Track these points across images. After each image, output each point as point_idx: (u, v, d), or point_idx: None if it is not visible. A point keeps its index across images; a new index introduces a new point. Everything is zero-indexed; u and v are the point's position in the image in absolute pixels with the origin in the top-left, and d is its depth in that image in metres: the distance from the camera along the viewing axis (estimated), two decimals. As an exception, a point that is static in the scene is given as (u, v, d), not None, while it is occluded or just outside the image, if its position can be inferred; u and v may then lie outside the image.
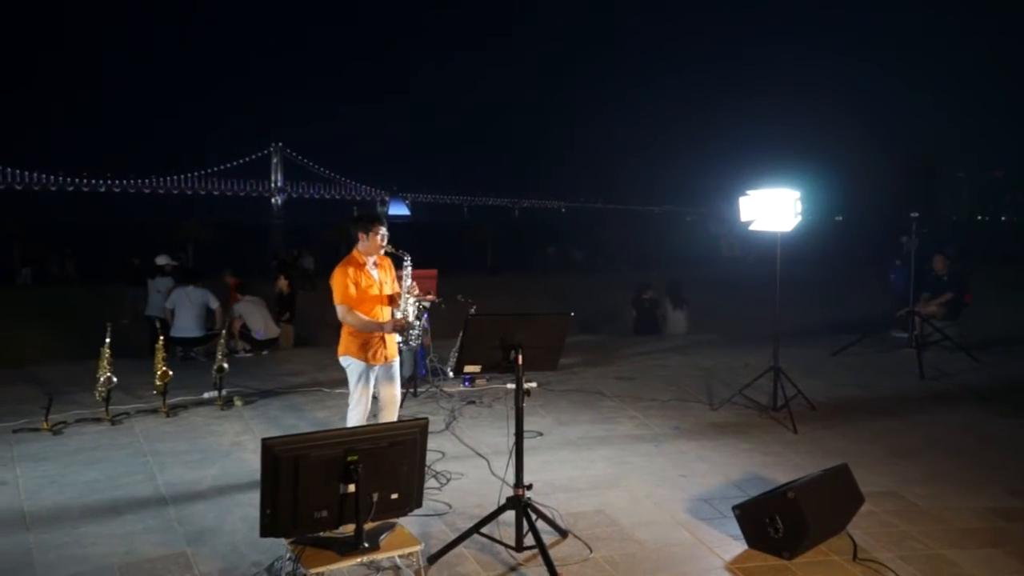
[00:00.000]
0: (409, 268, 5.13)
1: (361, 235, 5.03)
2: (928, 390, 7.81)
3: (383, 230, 5.03)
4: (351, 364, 5.08)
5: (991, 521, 4.64)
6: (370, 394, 5.12)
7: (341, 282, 4.98)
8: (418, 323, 5.09)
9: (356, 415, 5.09)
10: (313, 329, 12.58)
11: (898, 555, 4.17)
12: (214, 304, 9.81)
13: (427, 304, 5.18)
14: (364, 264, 5.06)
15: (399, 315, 5.00)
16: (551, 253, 37.53)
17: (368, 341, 5.02)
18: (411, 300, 5.05)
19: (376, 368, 5.09)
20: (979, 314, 10.69)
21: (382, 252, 5.11)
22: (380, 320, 5.02)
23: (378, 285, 5.10)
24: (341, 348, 5.12)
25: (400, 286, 5.16)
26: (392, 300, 5.15)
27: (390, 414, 5.20)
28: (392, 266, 5.28)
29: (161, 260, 11.48)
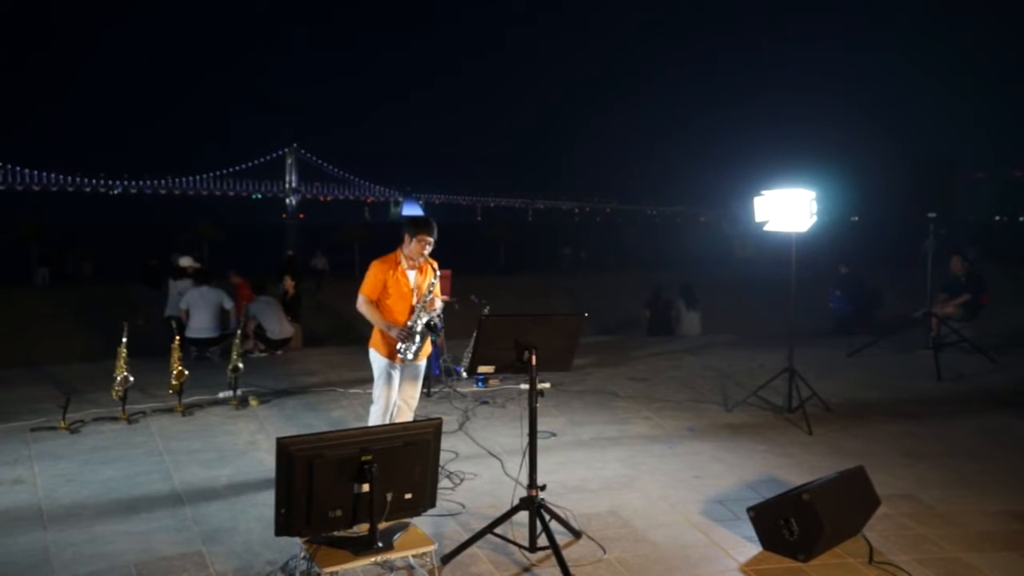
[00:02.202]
0: (437, 285, 5.14)
1: (407, 237, 5.08)
2: (945, 392, 7.75)
3: (429, 240, 5.06)
4: (375, 359, 5.14)
5: (1008, 524, 4.60)
6: (393, 392, 5.12)
7: (372, 275, 5.08)
8: (419, 339, 5.06)
9: (375, 412, 5.12)
10: (324, 329, 12.68)
11: (914, 558, 4.13)
12: (228, 304, 9.91)
13: (437, 322, 5.16)
14: (400, 264, 5.10)
15: (410, 323, 5.03)
16: (567, 254, 37.57)
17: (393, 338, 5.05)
18: (424, 317, 5.06)
19: (398, 367, 5.10)
20: (997, 315, 10.60)
21: (422, 259, 5.13)
22: (393, 324, 5.03)
23: (412, 289, 5.11)
24: (371, 340, 5.18)
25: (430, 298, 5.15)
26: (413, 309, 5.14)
27: (405, 415, 5.20)
28: (430, 274, 5.25)
29: (184, 262, 11.56)
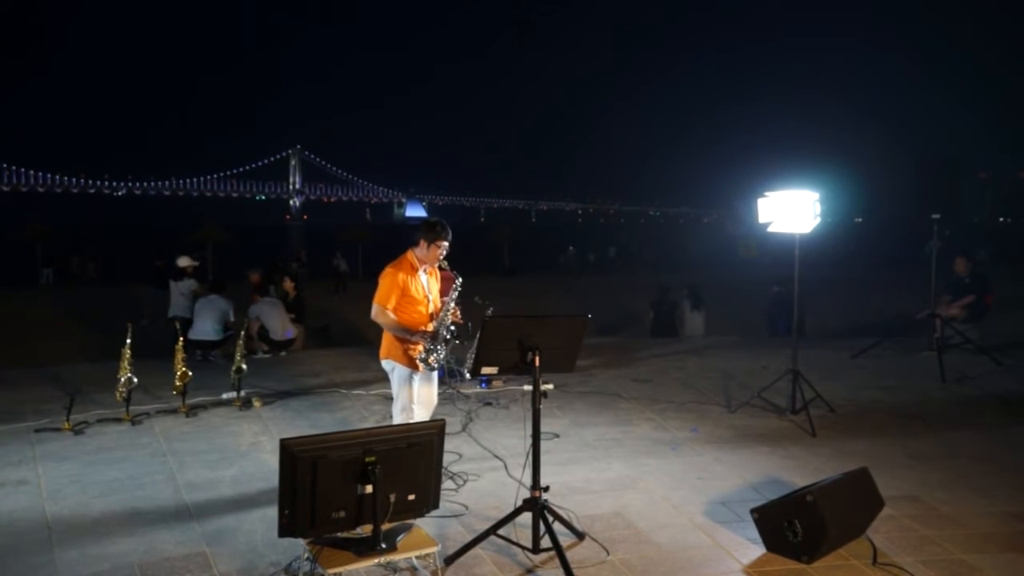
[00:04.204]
0: (456, 293, 5.08)
1: (423, 242, 4.98)
2: (949, 393, 7.73)
3: (446, 244, 4.99)
4: (395, 368, 5.04)
5: (1013, 525, 4.59)
6: (415, 392, 5.07)
7: (388, 284, 4.94)
8: (444, 348, 5.01)
9: (402, 420, 5.04)
10: (342, 330, 12.72)
11: (918, 560, 4.13)
12: (232, 317, 10.10)
13: (455, 330, 5.10)
14: (417, 269, 5.03)
15: (431, 328, 4.97)
16: (571, 254, 37.60)
17: (413, 346, 4.98)
18: (448, 323, 5.01)
19: (418, 373, 5.05)
20: (1002, 316, 10.58)
21: (436, 265, 5.09)
22: (415, 330, 4.97)
23: (427, 294, 5.07)
24: (384, 351, 5.07)
25: (443, 304, 5.10)
26: (432, 315, 5.10)
27: (426, 416, 5.15)
28: (439, 278, 5.23)
29: (183, 262, 11.64)
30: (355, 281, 23.88)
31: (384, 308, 4.93)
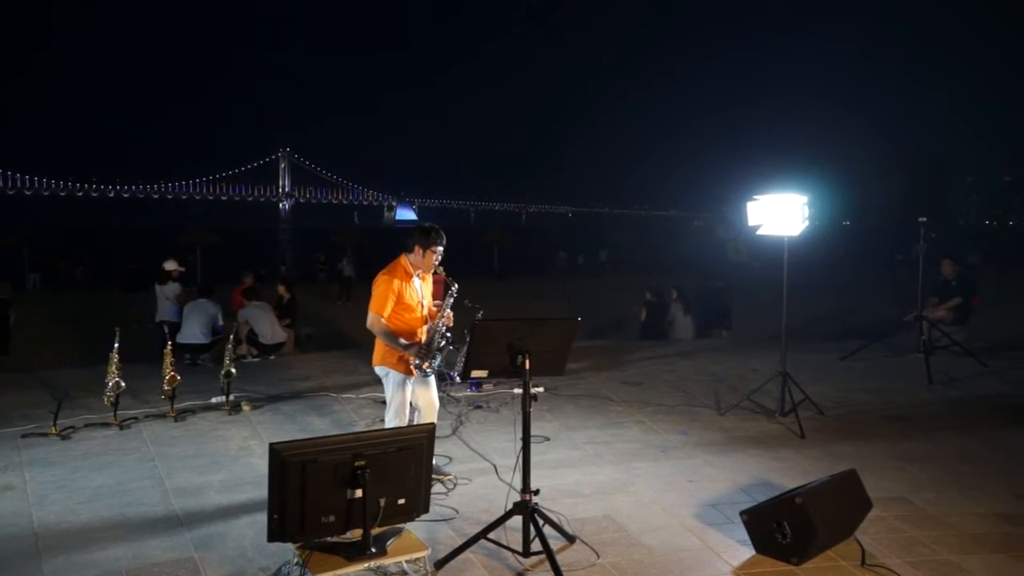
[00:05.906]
0: (452, 300, 5.06)
1: (418, 248, 4.93)
2: (937, 395, 7.78)
3: (441, 250, 4.97)
4: (389, 374, 5.02)
5: (1000, 526, 4.62)
6: (409, 404, 5.06)
7: (383, 291, 4.88)
8: (440, 356, 5.00)
9: (393, 423, 5.01)
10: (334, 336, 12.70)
11: (907, 560, 4.15)
12: (221, 321, 10.12)
13: (450, 335, 5.06)
14: (411, 275, 4.99)
15: (425, 338, 4.96)
16: (561, 258, 37.68)
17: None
18: (443, 329, 4.99)
19: (412, 377, 5.04)
20: (988, 318, 10.65)
21: (431, 270, 5.06)
22: (409, 340, 4.95)
23: (420, 300, 5.04)
24: (377, 357, 5.05)
25: (438, 309, 5.07)
26: (424, 319, 5.07)
27: (430, 418, 5.13)
28: (431, 282, 5.21)
29: (169, 266, 11.59)
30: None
31: (380, 316, 4.89)
